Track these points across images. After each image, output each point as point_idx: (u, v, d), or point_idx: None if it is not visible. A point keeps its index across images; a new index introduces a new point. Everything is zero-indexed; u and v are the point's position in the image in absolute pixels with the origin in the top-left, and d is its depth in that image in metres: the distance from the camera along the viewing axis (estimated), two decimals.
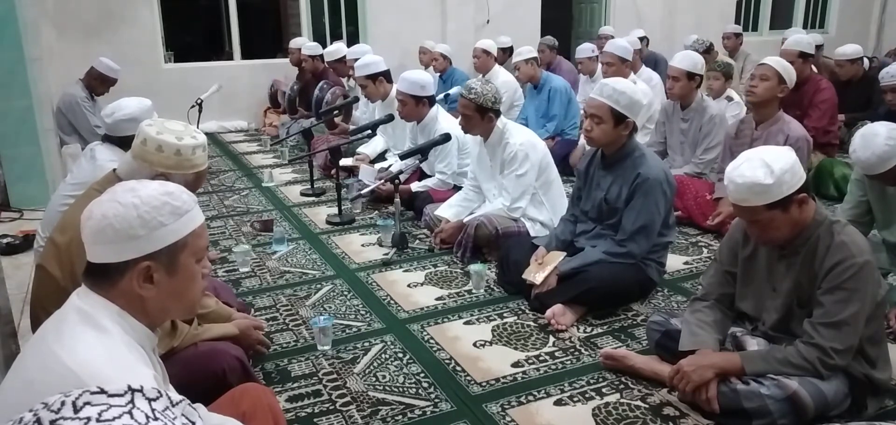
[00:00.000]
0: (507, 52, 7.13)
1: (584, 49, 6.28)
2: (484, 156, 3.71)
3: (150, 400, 0.80)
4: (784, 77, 3.65)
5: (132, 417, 0.77)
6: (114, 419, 0.76)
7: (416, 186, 4.34)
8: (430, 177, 4.44)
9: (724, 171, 3.99)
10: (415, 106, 4.23)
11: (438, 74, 7.02)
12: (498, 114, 3.55)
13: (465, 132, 3.67)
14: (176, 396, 0.84)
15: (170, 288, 1.27)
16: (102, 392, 0.79)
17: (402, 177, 3.89)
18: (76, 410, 0.76)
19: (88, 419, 0.75)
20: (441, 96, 6.13)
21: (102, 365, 1.12)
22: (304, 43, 6.92)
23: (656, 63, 6.82)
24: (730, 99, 4.89)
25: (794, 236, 2.09)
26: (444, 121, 4.29)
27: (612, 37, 6.39)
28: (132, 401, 0.79)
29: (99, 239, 1.22)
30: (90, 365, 1.11)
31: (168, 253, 1.25)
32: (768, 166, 1.97)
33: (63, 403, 0.77)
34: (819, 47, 7.22)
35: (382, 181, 4.06)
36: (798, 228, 2.07)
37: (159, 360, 1.37)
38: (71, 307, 1.24)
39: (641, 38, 7.54)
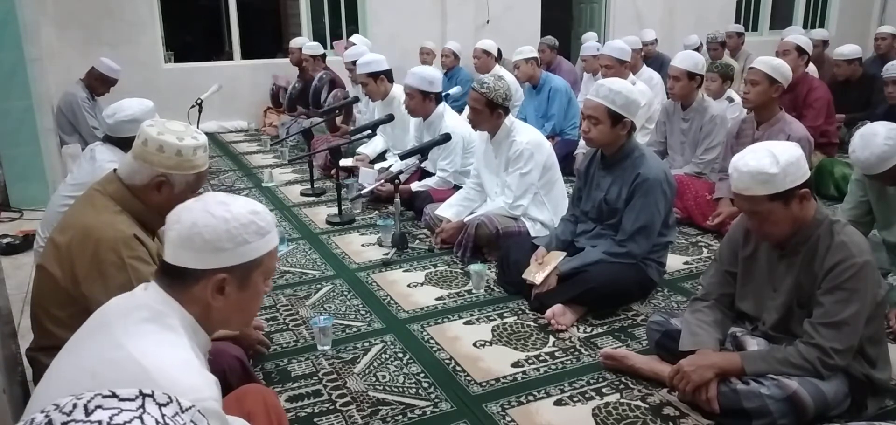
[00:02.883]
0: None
1: (589, 47, 6.28)
2: (489, 152, 3.71)
3: (160, 404, 0.80)
4: (775, 77, 3.63)
5: (142, 422, 0.77)
6: (124, 423, 0.76)
7: (416, 186, 4.34)
8: (431, 176, 4.44)
9: (725, 171, 4.02)
10: (422, 101, 4.23)
11: (445, 72, 7.02)
12: (507, 111, 3.55)
13: (473, 127, 3.67)
14: (185, 402, 0.84)
15: (237, 301, 1.31)
16: (114, 395, 0.79)
17: (403, 177, 3.89)
18: (87, 413, 0.76)
19: (99, 422, 0.75)
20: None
21: (173, 367, 1.14)
22: (305, 43, 6.93)
23: (661, 65, 6.82)
24: (730, 100, 4.88)
25: (792, 233, 2.09)
26: (450, 118, 4.29)
27: (598, 43, 6.39)
28: (143, 406, 0.79)
29: (185, 244, 1.25)
30: (161, 364, 1.14)
31: (244, 269, 1.29)
32: (774, 156, 1.98)
33: (75, 405, 0.77)
34: (825, 43, 7.25)
35: (382, 182, 4.06)
36: (797, 225, 2.07)
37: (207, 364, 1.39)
38: (140, 303, 1.26)
39: (653, 41, 7.57)
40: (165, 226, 1.30)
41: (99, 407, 0.77)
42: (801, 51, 4.84)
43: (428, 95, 4.24)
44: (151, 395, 0.81)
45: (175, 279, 1.27)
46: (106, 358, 1.16)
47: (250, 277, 1.31)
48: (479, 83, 3.52)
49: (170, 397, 0.83)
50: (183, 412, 0.82)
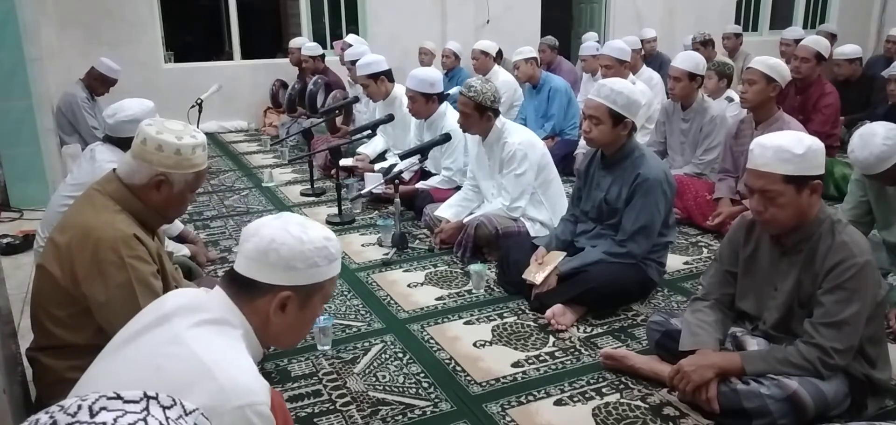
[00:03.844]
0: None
1: (588, 48, 6.28)
2: (482, 155, 3.71)
3: (164, 407, 0.81)
4: (772, 76, 3.64)
5: (146, 424, 0.77)
6: None
7: (422, 185, 4.34)
8: (433, 175, 4.44)
9: (725, 171, 4.03)
10: (424, 103, 4.24)
11: (445, 72, 7.01)
12: (497, 113, 3.55)
13: (464, 130, 3.67)
14: (190, 405, 0.84)
15: (295, 320, 1.36)
16: (118, 397, 0.79)
17: (406, 176, 3.88)
18: (92, 415, 0.76)
19: (104, 424, 0.75)
20: None
21: (233, 366, 1.20)
22: (304, 43, 6.92)
23: (661, 65, 6.83)
24: (730, 100, 4.88)
25: (794, 227, 2.09)
26: (451, 118, 4.29)
27: (598, 44, 6.39)
28: (147, 409, 0.79)
29: (260, 258, 1.31)
30: (223, 363, 1.19)
31: (308, 290, 1.35)
32: (800, 139, 2.04)
33: (79, 407, 0.77)
34: (833, 37, 7.27)
35: (386, 183, 4.05)
36: (801, 219, 2.07)
37: None
38: (204, 305, 1.30)
39: (652, 38, 7.57)
40: (241, 238, 1.35)
41: (103, 408, 0.77)
42: (819, 57, 4.82)
43: (430, 97, 4.24)
44: (155, 397, 0.81)
45: (242, 289, 1.32)
46: (169, 352, 1.21)
47: (311, 299, 1.37)
48: (466, 87, 3.51)
49: (174, 400, 0.83)
50: (187, 415, 0.82)
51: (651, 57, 7.32)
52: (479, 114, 3.49)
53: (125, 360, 1.25)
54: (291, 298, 1.33)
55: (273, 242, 1.30)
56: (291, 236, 1.31)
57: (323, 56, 6.75)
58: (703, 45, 6.87)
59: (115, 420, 0.76)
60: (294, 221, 1.35)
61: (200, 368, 1.17)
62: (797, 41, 5.86)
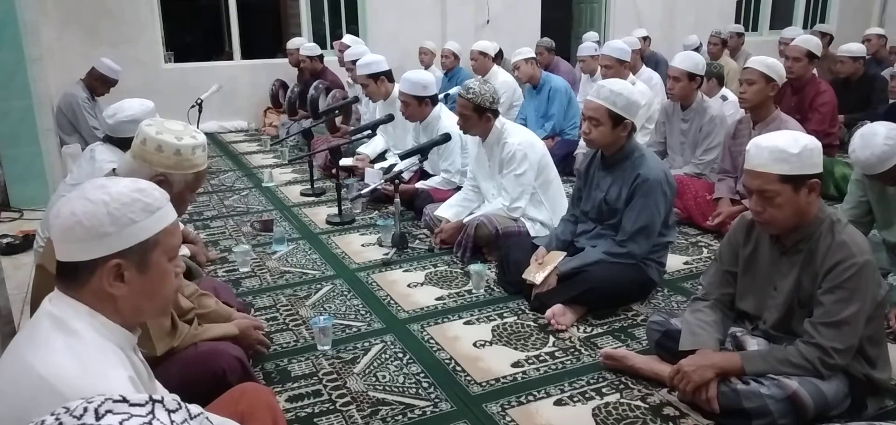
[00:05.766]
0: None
1: (587, 48, 6.28)
2: (482, 155, 3.72)
3: (169, 411, 0.81)
4: (771, 76, 3.64)
5: None
6: None
7: (421, 185, 4.34)
8: (432, 176, 4.44)
9: (725, 171, 4.03)
10: (418, 106, 4.23)
11: (445, 72, 7.01)
12: (496, 114, 3.55)
13: (464, 132, 3.68)
14: (195, 409, 0.85)
15: (141, 286, 1.23)
16: (124, 400, 0.80)
17: (405, 176, 3.88)
18: (98, 417, 0.77)
19: None
20: (441, 96, 6.13)
21: (73, 373, 1.10)
22: (303, 43, 6.93)
23: (657, 64, 6.83)
24: (724, 98, 4.89)
25: (794, 227, 2.09)
26: (447, 119, 4.29)
27: (597, 43, 6.38)
28: (152, 412, 0.80)
29: (68, 237, 1.19)
30: (63, 373, 1.10)
31: (139, 251, 1.22)
32: (796, 139, 2.04)
33: (85, 409, 0.78)
34: (829, 37, 7.28)
35: (385, 183, 4.05)
36: (800, 218, 2.07)
37: (142, 359, 1.34)
38: (43, 312, 1.21)
39: (644, 38, 7.58)
40: (50, 223, 1.23)
41: (109, 411, 0.78)
42: (811, 56, 4.83)
43: (423, 100, 4.23)
44: (161, 401, 0.82)
45: (70, 278, 1.21)
46: (12, 376, 1.13)
47: (149, 259, 1.23)
48: (464, 89, 3.52)
49: (178, 403, 0.83)
50: (191, 418, 0.83)
51: (646, 57, 7.32)
52: (478, 116, 3.50)
53: None
54: (123, 265, 1.20)
55: (74, 216, 1.18)
56: (91, 202, 1.18)
57: (321, 56, 6.75)
58: (723, 44, 6.92)
59: (120, 422, 0.76)
60: (94, 186, 1.22)
61: (40, 385, 1.08)
62: None
